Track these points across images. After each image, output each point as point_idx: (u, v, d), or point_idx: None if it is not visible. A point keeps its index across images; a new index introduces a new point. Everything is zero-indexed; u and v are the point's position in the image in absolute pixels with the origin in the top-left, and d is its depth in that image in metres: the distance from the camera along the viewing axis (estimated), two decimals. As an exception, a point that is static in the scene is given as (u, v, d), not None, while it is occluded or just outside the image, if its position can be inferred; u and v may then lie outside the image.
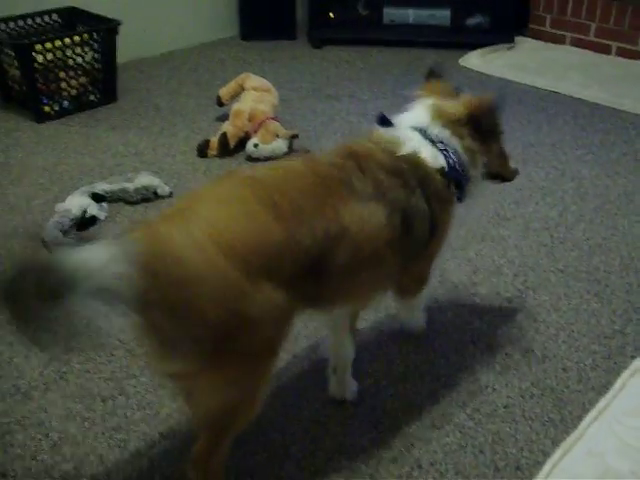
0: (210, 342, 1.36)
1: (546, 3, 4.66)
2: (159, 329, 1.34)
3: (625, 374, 2.03)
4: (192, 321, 1.34)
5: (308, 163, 1.63)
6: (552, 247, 2.61)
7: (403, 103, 3.66)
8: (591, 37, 4.52)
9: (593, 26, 4.51)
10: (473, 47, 4.47)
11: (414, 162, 1.72)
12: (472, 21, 4.62)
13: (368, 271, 1.61)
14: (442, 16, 4.59)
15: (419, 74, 3.96)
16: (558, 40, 4.64)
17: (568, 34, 4.62)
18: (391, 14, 4.61)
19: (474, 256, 2.55)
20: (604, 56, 4.45)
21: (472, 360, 2.09)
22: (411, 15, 4.61)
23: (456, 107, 1.84)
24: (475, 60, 4.33)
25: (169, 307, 1.32)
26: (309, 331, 2.16)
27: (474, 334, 2.19)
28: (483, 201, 2.68)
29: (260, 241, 1.40)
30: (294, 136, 3.20)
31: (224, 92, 3.44)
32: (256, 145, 3.13)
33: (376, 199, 1.59)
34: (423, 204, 1.69)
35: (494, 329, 2.21)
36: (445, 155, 1.77)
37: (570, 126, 3.53)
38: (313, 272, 1.48)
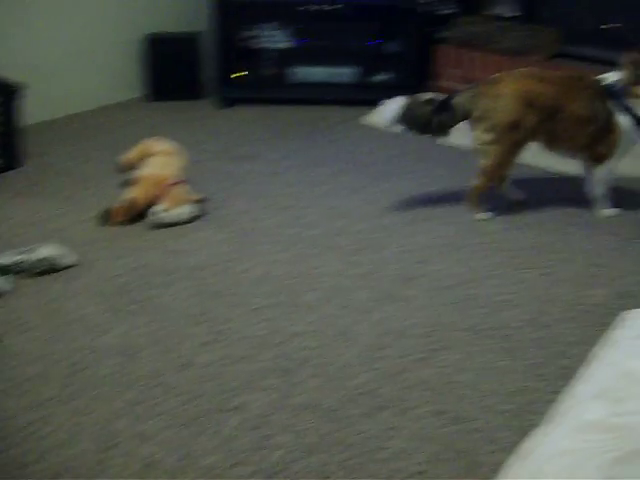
0: (500, 130, 3.04)
1: (448, 60, 4.78)
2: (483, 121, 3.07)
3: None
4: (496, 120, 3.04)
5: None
6: (460, 305, 2.62)
7: (309, 163, 3.73)
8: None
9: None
10: (377, 104, 4.52)
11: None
12: (377, 78, 4.70)
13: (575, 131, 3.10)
14: (347, 74, 4.66)
15: (326, 132, 4.09)
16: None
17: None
18: (297, 73, 4.65)
19: (381, 319, 2.53)
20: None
21: (383, 425, 2.06)
22: (317, 73, 4.65)
23: None
24: (380, 116, 4.39)
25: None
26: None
27: (384, 399, 2.16)
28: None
29: (532, 95, 3.04)
30: (201, 200, 3.17)
31: (129, 157, 3.39)
32: (163, 211, 3.08)
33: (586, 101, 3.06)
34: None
35: (404, 392, 2.19)
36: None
37: (475, 180, 3.60)
38: (549, 119, 3.05)
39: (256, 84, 4.67)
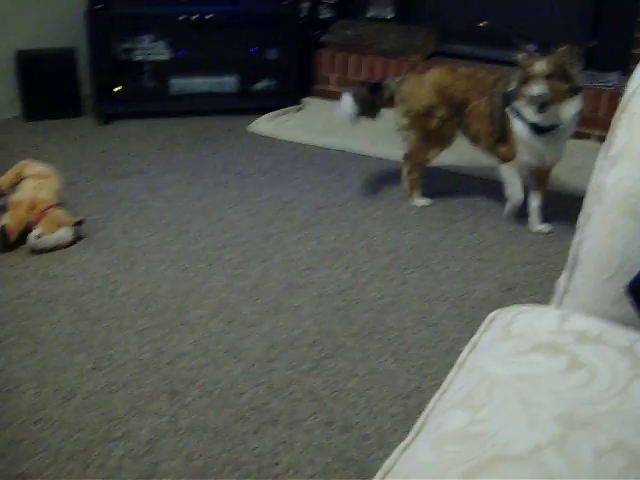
0: (413, 115, 3.24)
1: (329, 63, 4.80)
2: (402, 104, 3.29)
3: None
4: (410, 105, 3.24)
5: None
6: (346, 311, 2.62)
7: (191, 176, 3.68)
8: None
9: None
10: (262, 111, 4.51)
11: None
12: (259, 86, 4.68)
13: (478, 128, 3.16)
14: (229, 83, 4.62)
15: (209, 143, 4.04)
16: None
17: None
18: (177, 84, 4.58)
19: (269, 330, 2.51)
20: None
21: (273, 441, 2.04)
22: (198, 84, 4.60)
23: None
24: (264, 125, 4.38)
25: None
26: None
27: (273, 413, 2.14)
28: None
29: (444, 87, 3.19)
30: (79, 223, 3.07)
31: (1, 182, 3.26)
32: (39, 236, 2.97)
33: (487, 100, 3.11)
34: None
35: (294, 405, 2.17)
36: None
37: (359, 183, 3.62)
38: (458, 112, 3.17)
39: (136, 98, 4.58)
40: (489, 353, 1.14)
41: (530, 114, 2.91)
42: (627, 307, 1.25)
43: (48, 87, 4.48)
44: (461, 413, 1.01)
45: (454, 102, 3.17)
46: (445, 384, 1.13)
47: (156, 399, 2.19)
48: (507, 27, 4.66)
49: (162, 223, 3.23)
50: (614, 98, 4.10)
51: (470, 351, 1.19)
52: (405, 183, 3.43)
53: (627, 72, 4.37)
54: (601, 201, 1.30)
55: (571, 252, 1.36)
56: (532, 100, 2.83)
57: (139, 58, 4.56)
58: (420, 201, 3.40)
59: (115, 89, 4.53)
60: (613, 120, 1.36)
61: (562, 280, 1.38)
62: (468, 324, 2.56)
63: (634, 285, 1.20)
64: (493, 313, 1.24)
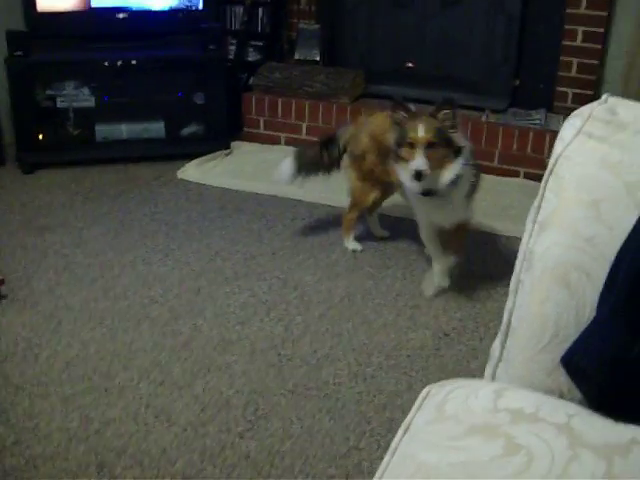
0: (353, 157, 3.24)
1: (258, 107, 4.77)
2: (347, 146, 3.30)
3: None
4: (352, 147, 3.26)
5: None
6: (280, 367, 2.56)
7: (118, 227, 3.58)
8: (303, 135, 4.68)
9: (304, 125, 4.68)
10: (191, 157, 4.45)
11: None
12: (186, 131, 4.62)
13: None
14: (156, 128, 4.55)
15: (136, 192, 3.95)
16: (274, 140, 4.76)
17: (282, 134, 4.75)
18: (103, 131, 4.49)
19: (201, 391, 2.43)
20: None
21: (207, 513, 1.96)
22: (124, 130, 4.51)
23: None
24: (192, 171, 4.31)
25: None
26: None
27: (207, 482, 2.06)
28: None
29: (376, 133, 3.13)
30: (0, 282, 2.95)
31: None
32: (-43, 297, 2.85)
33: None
34: None
35: (228, 471, 2.10)
36: None
37: (290, 230, 3.57)
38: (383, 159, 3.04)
39: (61, 146, 4.46)
40: (422, 438, 1.09)
41: (406, 179, 2.74)
42: (562, 377, 1.23)
43: (-33, 135, 4.34)
44: (396, 507, 0.96)
45: (382, 149, 3.11)
46: (379, 472, 1.07)
47: (84, 472, 2.09)
48: (433, 67, 4.73)
49: (88, 279, 3.12)
50: (541, 135, 4.17)
51: (403, 434, 1.14)
52: (344, 225, 3.42)
53: (552, 109, 4.46)
54: (532, 268, 1.27)
55: (504, 318, 1.33)
56: (409, 170, 2.67)
57: (63, 105, 4.46)
58: (352, 244, 3.38)
59: (38, 137, 4.41)
60: (542, 182, 1.34)
61: (495, 347, 1.35)
62: (405, 374, 2.53)
63: (568, 358, 1.18)
64: (426, 389, 1.19)
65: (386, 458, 1.12)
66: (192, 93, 4.62)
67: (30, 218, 3.71)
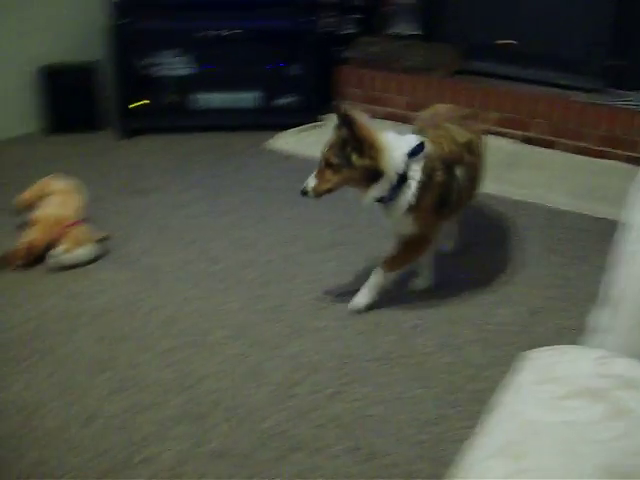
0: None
1: (352, 80, 4.79)
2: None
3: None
4: None
5: None
6: (369, 334, 2.60)
7: (213, 193, 3.67)
8: (400, 110, 4.67)
9: (401, 99, 4.68)
10: (282, 127, 4.51)
11: None
12: (280, 102, 4.68)
13: None
14: (250, 98, 4.63)
15: (230, 159, 4.04)
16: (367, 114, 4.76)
17: (377, 107, 4.75)
18: (199, 99, 4.59)
19: (292, 354, 2.49)
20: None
21: (297, 467, 2.02)
22: (219, 99, 4.61)
23: None
24: (285, 141, 4.38)
25: None
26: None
27: (297, 440, 2.11)
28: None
29: None
30: (103, 239, 3.07)
31: (25, 198, 3.27)
32: (63, 252, 2.97)
33: None
34: None
35: (317, 431, 2.15)
36: None
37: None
38: None
39: (157, 113, 4.60)
40: (528, 397, 1.12)
41: None
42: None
43: (70, 101, 4.50)
44: (502, 462, 0.98)
45: None
46: (481, 427, 1.10)
47: (180, 422, 2.18)
48: (531, 45, 4.66)
49: (184, 241, 3.23)
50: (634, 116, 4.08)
51: (505, 392, 1.17)
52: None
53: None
54: (640, 240, 1.28)
55: (606, 290, 1.34)
56: None
57: (161, 73, 4.59)
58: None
59: (136, 104, 4.54)
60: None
61: (596, 318, 1.36)
62: (493, 348, 2.53)
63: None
64: (529, 353, 1.21)
65: (490, 414, 1.15)
66: (287, 64, 4.68)
67: (128, 181, 3.85)
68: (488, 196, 3.59)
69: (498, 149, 4.02)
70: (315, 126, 4.60)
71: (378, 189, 2.50)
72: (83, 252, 3.00)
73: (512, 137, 4.36)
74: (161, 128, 4.51)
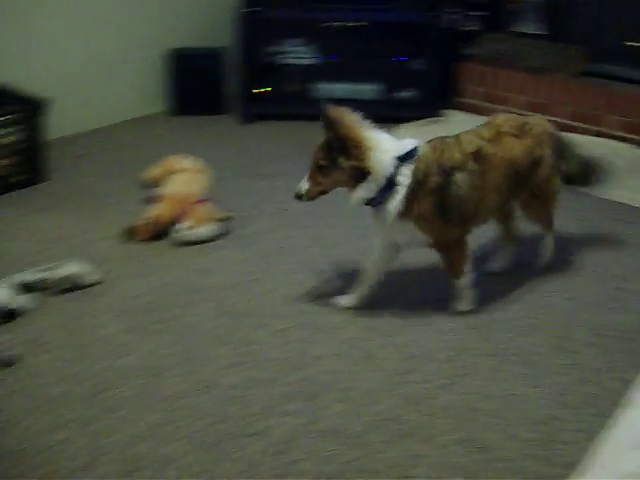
0: None
1: (475, 76, 4.76)
2: None
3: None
4: None
5: None
6: (484, 329, 2.60)
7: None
8: (521, 110, 4.61)
9: (523, 99, 4.62)
10: (402, 120, 4.52)
11: None
12: (400, 95, 4.70)
13: None
14: (371, 90, 4.66)
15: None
16: (488, 111, 4.70)
17: (500, 106, 4.70)
18: (321, 89, 4.65)
19: (406, 342, 2.53)
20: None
21: (407, 453, 2.05)
22: (341, 90, 4.65)
23: None
24: (406, 133, 4.38)
25: None
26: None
27: (408, 426, 2.15)
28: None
29: None
30: (226, 218, 3.17)
31: (153, 174, 3.40)
32: (187, 228, 3.08)
33: None
34: None
35: (428, 419, 2.18)
36: None
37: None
38: None
39: (279, 100, 4.69)
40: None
41: None
42: None
43: (196, 84, 4.65)
44: None
45: None
46: (613, 422, 1.11)
47: (293, 399, 2.24)
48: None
49: (303, 225, 3.30)
50: None
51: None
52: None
53: None
54: None
55: None
56: None
57: (285, 61, 4.67)
58: None
59: (259, 90, 4.64)
60: None
61: None
62: (608, 354, 2.49)
63: None
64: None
65: (625, 409, 1.14)
66: (409, 58, 4.69)
67: (251, 164, 3.95)
68: (607, 202, 3.53)
69: (619, 154, 3.93)
70: (435, 121, 4.60)
71: (364, 190, 2.44)
72: (206, 230, 3.10)
73: (636, 143, 4.25)
74: (282, 115, 4.59)
